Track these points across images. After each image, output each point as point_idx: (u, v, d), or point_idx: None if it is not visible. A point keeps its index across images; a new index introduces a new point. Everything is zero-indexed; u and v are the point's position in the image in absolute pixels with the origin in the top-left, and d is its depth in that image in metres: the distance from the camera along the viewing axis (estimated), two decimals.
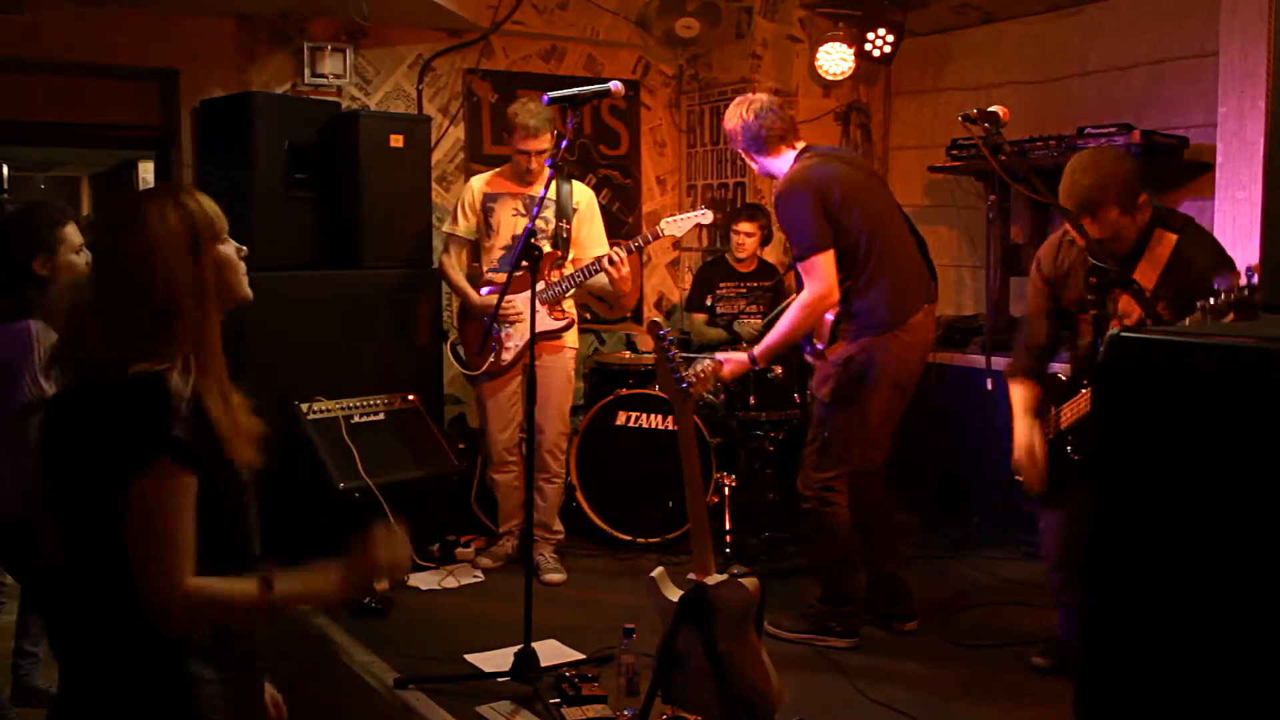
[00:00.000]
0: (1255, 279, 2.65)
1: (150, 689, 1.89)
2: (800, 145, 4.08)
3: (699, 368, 3.69)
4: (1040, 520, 3.69)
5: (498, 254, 4.81)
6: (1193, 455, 1.60)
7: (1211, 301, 2.77)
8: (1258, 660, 1.51)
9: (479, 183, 4.94)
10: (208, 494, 1.87)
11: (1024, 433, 3.57)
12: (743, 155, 4.15)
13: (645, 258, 6.85)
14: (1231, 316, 2.75)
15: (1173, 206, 5.07)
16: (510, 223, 4.80)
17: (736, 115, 4.07)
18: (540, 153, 4.65)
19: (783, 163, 4.03)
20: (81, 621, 1.93)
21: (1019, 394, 3.64)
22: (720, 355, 3.93)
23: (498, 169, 5.02)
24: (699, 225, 4.75)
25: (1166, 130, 5.00)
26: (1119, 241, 3.28)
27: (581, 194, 4.97)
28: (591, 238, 4.92)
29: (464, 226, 4.89)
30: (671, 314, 6.79)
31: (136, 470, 1.80)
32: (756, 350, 3.97)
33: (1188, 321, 2.91)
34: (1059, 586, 3.69)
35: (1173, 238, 3.28)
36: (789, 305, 4.05)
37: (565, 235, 4.85)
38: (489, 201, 4.87)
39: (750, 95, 4.13)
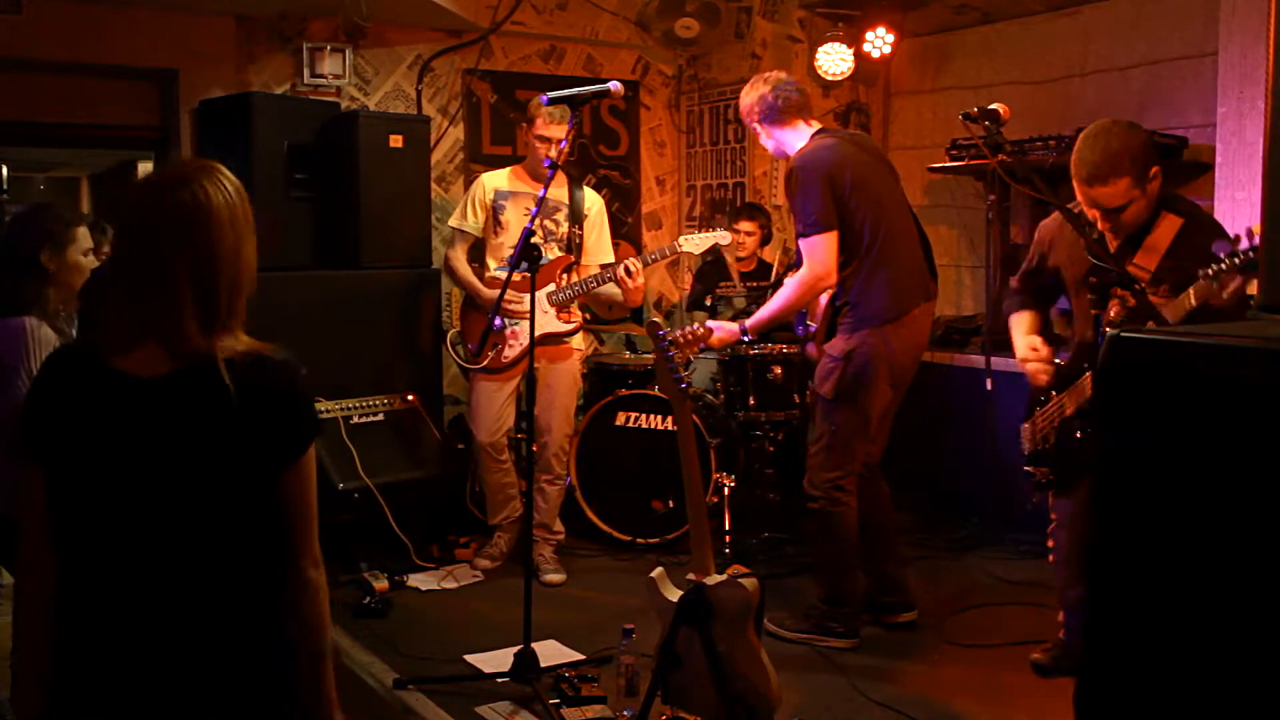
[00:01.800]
0: (1257, 240, 2.64)
1: (260, 681, 1.92)
2: (815, 125, 4.08)
3: (689, 329, 3.73)
4: (1052, 511, 3.67)
5: (507, 251, 4.79)
6: (1193, 455, 1.59)
7: (1213, 269, 2.77)
8: (1258, 659, 1.51)
9: (491, 179, 4.92)
10: None
11: (1023, 335, 3.59)
12: (758, 129, 4.12)
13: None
14: (1238, 281, 2.75)
15: None
16: (521, 221, 4.77)
17: (754, 88, 4.09)
18: (562, 147, 4.63)
19: (796, 138, 4.04)
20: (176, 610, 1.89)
21: (1018, 317, 3.66)
22: (711, 323, 3.97)
23: (513, 166, 5.00)
24: (717, 245, 4.76)
25: (1166, 131, 5.00)
26: (1130, 213, 3.23)
27: (593, 201, 4.97)
28: (599, 245, 4.93)
29: (471, 222, 4.88)
30: (671, 314, 6.79)
31: (305, 449, 1.92)
32: (748, 322, 4.00)
33: (1191, 291, 2.90)
34: (1064, 583, 3.68)
35: (1178, 221, 3.27)
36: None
37: (578, 241, 4.85)
38: (500, 199, 4.85)
39: (768, 72, 4.14)
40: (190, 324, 1.85)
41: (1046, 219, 3.67)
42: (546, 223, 4.82)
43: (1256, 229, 2.66)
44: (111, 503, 1.85)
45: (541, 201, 4.10)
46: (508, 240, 4.79)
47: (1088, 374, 3.39)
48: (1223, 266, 2.75)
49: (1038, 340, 3.57)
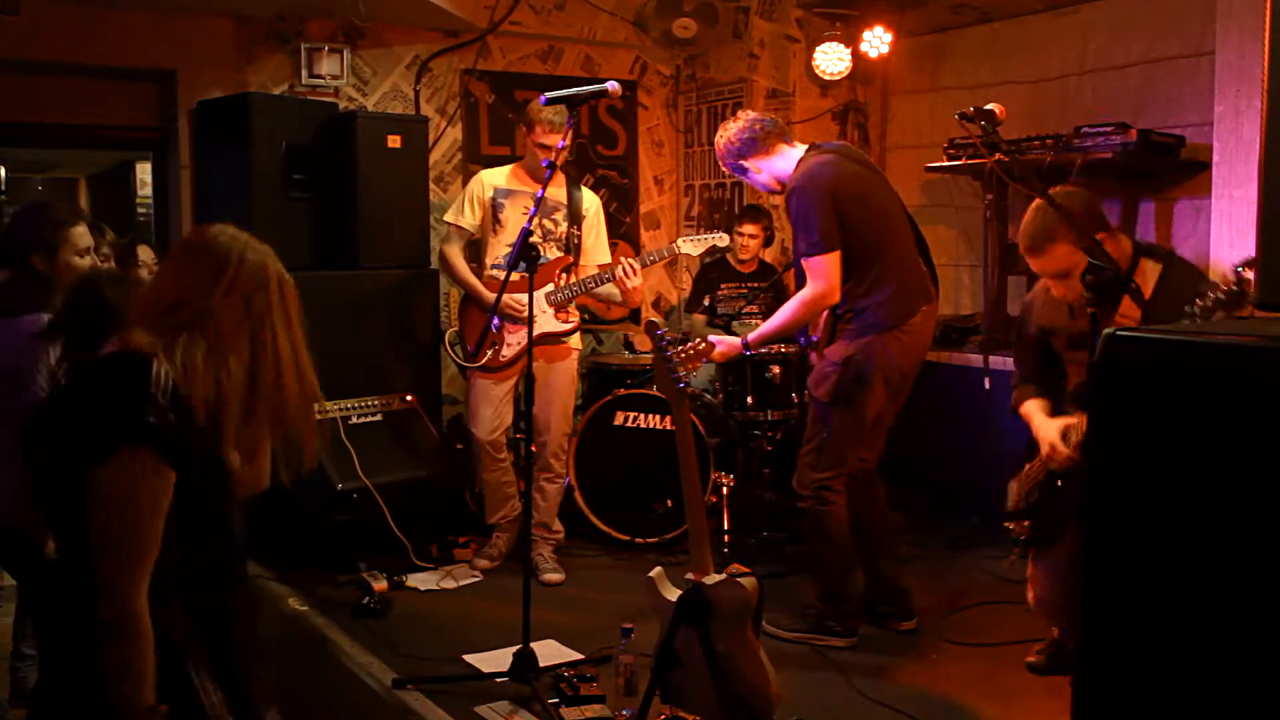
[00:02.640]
0: (1245, 273, 2.65)
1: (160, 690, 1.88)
2: (800, 145, 4.08)
3: (690, 345, 3.74)
4: (1030, 573, 3.63)
5: (503, 250, 4.79)
6: (1191, 455, 1.59)
7: (1199, 305, 2.78)
8: (1256, 660, 1.51)
9: (491, 176, 4.91)
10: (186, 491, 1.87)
11: (1046, 428, 3.47)
12: (745, 167, 4.08)
13: None
14: (1223, 315, 2.76)
15: (1169, 204, 5.09)
16: (520, 220, 4.77)
17: (724, 131, 4.09)
18: (560, 149, 4.64)
19: (784, 162, 4.03)
20: (74, 619, 1.89)
21: (1031, 406, 3.57)
22: (713, 337, 3.98)
23: (513, 165, 5.00)
24: (714, 247, 4.76)
25: (1163, 129, 5.00)
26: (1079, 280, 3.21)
27: (590, 201, 4.97)
28: (597, 246, 4.93)
29: (469, 219, 4.86)
30: (670, 315, 6.79)
31: (102, 456, 1.79)
32: (750, 336, 4.02)
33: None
34: (1055, 623, 3.68)
35: (1157, 266, 3.30)
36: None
37: (576, 241, 4.85)
38: (500, 197, 4.85)
39: (734, 116, 4.15)
40: (136, 325, 1.92)
41: (1030, 297, 3.67)
42: (545, 222, 4.82)
43: (1244, 271, 2.68)
44: None
45: (540, 201, 4.10)
46: (505, 239, 4.79)
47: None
48: (1208, 304, 2.77)
49: (1058, 427, 3.45)
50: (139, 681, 1.80)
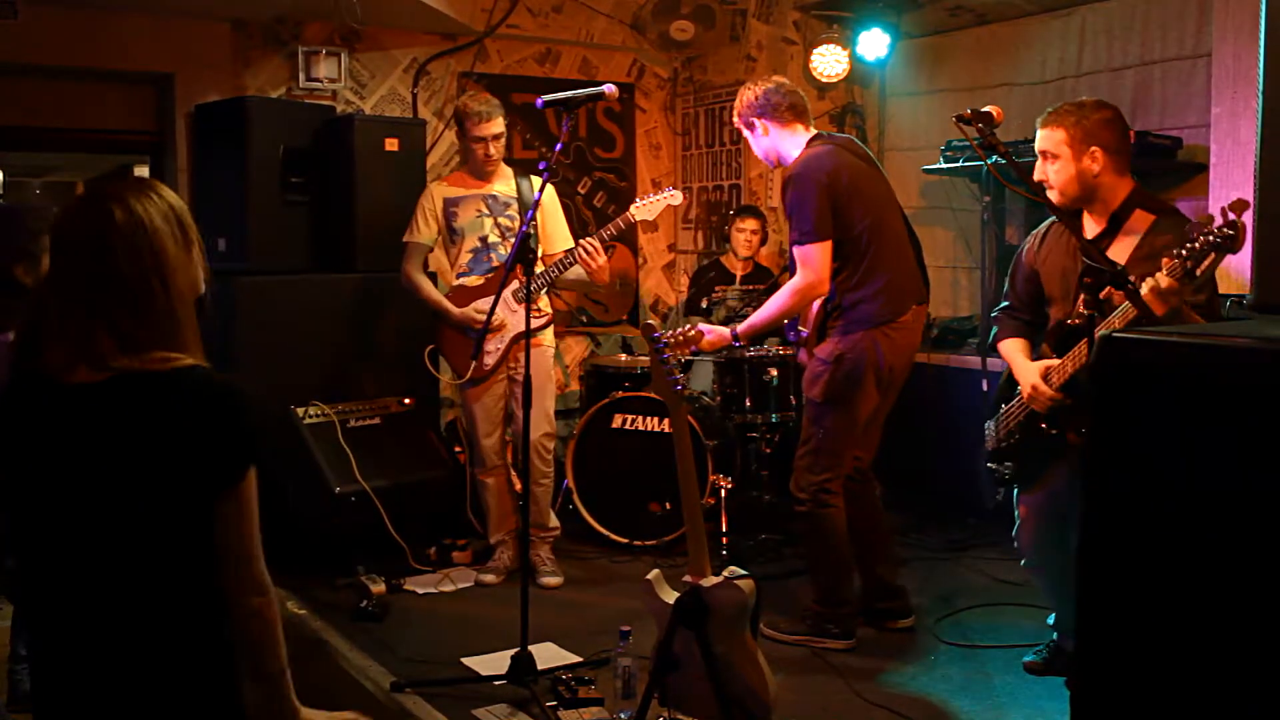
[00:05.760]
0: (1232, 216, 2.64)
1: (208, 706, 1.92)
2: (811, 130, 4.09)
3: (679, 331, 3.75)
4: (1018, 509, 3.63)
5: (465, 258, 4.76)
6: (1189, 457, 1.60)
7: (1186, 248, 2.78)
8: (1253, 662, 1.51)
9: (438, 188, 4.85)
10: None
11: (1027, 370, 3.43)
12: (755, 124, 4.08)
13: (641, 260, 6.86)
14: (1211, 258, 2.76)
15: None
16: (476, 224, 4.74)
17: (757, 84, 4.09)
18: (496, 136, 4.60)
19: (793, 141, 4.04)
20: (120, 634, 1.87)
21: (1011, 345, 3.57)
22: (703, 326, 3.98)
23: (453, 173, 4.97)
24: (670, 207, 4.67)
25: (1160, 131, 5.01)
26: (1060, 175, 3.28)
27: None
28: (557, 232, 4.84)
29: (426, 234, 4.80)
30: (668, 318, 6.79)
31: (241, 474, 1.87)
32: (740, 327, 4.01)
33: (1164, 267, 2.89)
34: (1044, 583, 3.69)
35: (1150, 218, 3.28)
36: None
37: (534, 232, 4.80)
38: (451, 206, 4.78)
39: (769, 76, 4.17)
40: (103, 344, 1.84)
41: (1032, 235, 3.66)
42: (501, 220, 4.77)
43: (1231, 207, 2.66)
44: (39, 512, 1.88)
45: (537, 204, 4.09)
46: (464, 246, 4.76)
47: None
48: (1196, 246, 2.76)
49: (1039, 370, 3.43)
50: (277, 653, 2.05)
